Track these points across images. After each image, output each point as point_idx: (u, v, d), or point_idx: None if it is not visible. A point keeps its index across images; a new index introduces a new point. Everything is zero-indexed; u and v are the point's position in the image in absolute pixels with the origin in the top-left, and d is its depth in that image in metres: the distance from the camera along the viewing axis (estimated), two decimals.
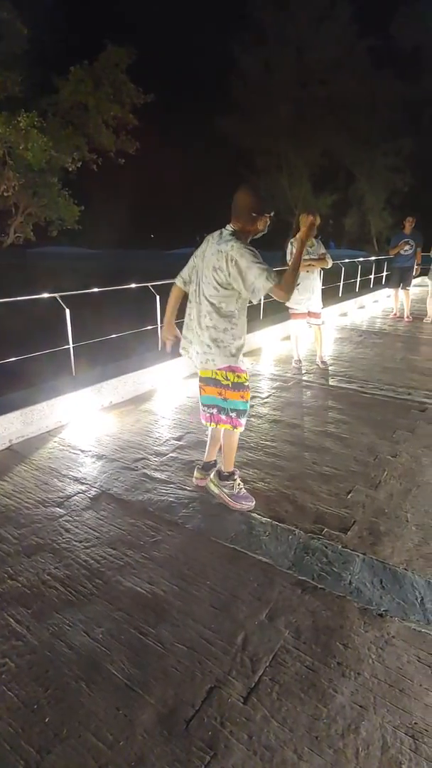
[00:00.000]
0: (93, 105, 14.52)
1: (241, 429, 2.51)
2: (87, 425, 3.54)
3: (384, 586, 1.99)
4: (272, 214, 2.39)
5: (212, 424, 2.56)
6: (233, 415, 2.44)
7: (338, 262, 8.39)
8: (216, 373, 2.42)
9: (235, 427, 2.48)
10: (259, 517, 2.45)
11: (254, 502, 2.53)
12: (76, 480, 2.78)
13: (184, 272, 2.56)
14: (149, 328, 5.03)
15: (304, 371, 5.11)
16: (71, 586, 1.95)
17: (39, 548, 2.18)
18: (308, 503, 2.59)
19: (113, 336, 4.78)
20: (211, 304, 2.33)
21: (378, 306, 10.13)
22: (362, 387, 4.60)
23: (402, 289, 8.09)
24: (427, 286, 8.28)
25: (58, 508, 2.50)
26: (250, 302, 2.38)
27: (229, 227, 2.33)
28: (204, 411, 2.56)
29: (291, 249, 4.81)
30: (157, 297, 4.81)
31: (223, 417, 2.48)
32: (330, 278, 7.89)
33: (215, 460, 2.77)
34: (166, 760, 1.32)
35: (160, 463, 3.01)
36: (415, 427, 3.63)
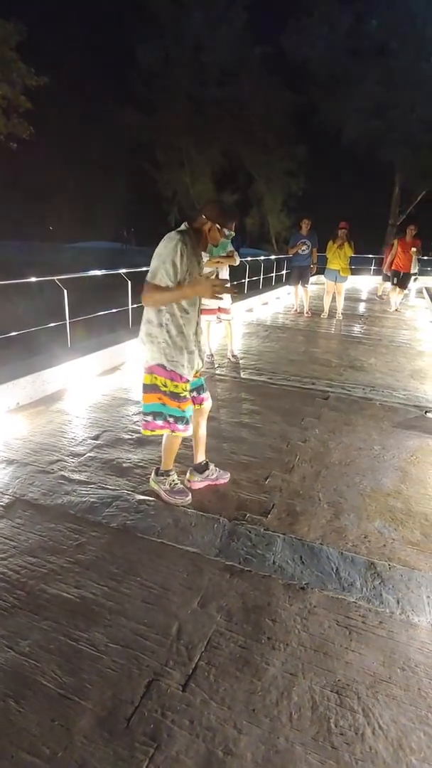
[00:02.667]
0: None
1: (182, 434, 2.44)
2: None
3: (303, 562, 2.14)
4: (221, 227, 2.25)
5: (148, 431, 2.50)
6: (171, 420, 2.41)
7: (242, 260, 8.68)
8: (155, 378, 2.37)
9: (173, 431, 2.43)
10: (185, 509, 2.48)
11: (190, 497, 2.53)
12: None
13: None
14: (57, 324, 4.78)
15: (216, 365, 5.24)
16: None
17: None
18: (230, 492, 2.69)
19: (14, 333, 4.47)
20: None
21: (280, 302, 10.69)
22: (271, 378, 4.85)
23: (301, 286, 8.64)
24: (324, 283, 8.96)
25: None
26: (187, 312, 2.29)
27: (183, 226, 2.27)
28: (145, 419, 2.48)
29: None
30: (65, 291, 4.59)
31: (160, 423, 2.43)
32: (235, 276, 8.15)
33: (206, 461, 2.73)
34: (108, 762, 1.30)
35: (78, 463, 2.90)
36: (320, 414, 3.92)
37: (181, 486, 2.58)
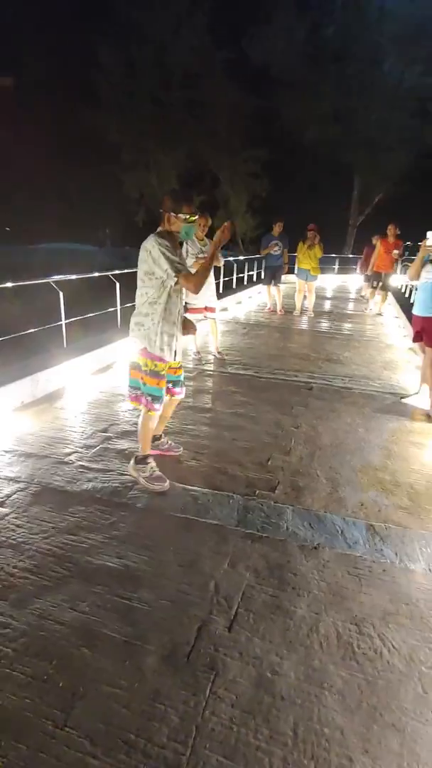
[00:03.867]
0: None
1: (155, 414, 2.72)
2: (3, 426, 3.40)
3: (312, 527, 2.44)
4: (184, 216, 2.52)
5: (135, 403, 2.79)
6: (149, 398, 2.68)
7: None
8: (139, 358, 2.67)
9: (149, 410, 2.70)
10: (200, 488, 2.74)
11: (168, 483, 2.73)
12: (10, 480, 2.73)
13: None
14: (54, 325, 4.90)
15: (203, 362, 5.50)
16: (42, 573, 2.01)
17: None
18: (237, 472, 2.96)
19: (13, 335, 4.57)
20: (141, 294, 2.61)
21: (253, 301, 11.05)
22: (257, 372, 5.16)
23: (274, 285, 9.00)
24: (295, 282, 9.37)
25: (0, 508, 2.45)
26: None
27: (159, 229, 2.58)
28: (130, 391, 2.79)
29: (186, 248, 5.12)
30: (61, 293, 4.72)
31: (143, 400, 2.71)
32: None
33: (161, 435, 3.10)
34: (178, 688, 1.54)
35: (93, 454, 3.09)
36: (307, 403, 4.26)
37: (159, 473, 2.76)
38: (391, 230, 8.53)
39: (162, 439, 3.12)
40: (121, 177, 20.20)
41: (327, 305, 11.21)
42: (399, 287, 11.69)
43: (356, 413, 4.07)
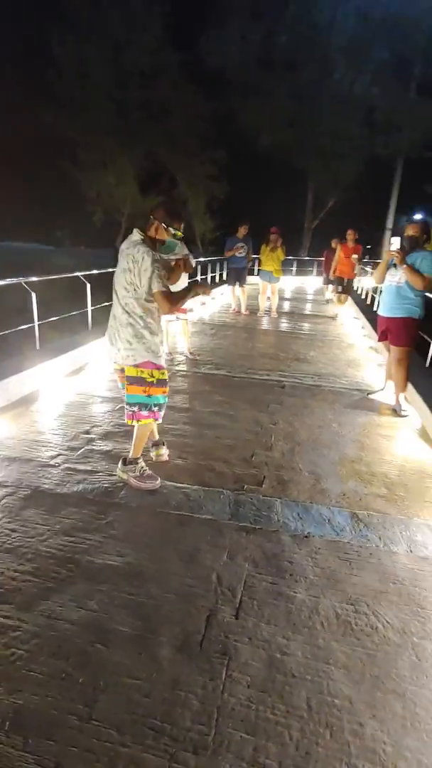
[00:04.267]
0: None
1: (159, 421, 2.82)
2: None
3: (301, 517, 2.57)
4: (172, 229, 2.59)
5: (134, 421, 2.73)
6: (155, 409, 2.70)
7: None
8: (141, 372, 2.62)
9: (156, 420, 2.76)
10: (190, 486, 2.80)
11: (159, 480, 2.77)
12: None
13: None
14: (26, 327, 4.78)
15: (176, 362, 5.55)
16: (44, 575, 2.01)
17: None
18: (224, 469, 3.05)
19: None
20: (126, 304, 2.55)
21: (216, 302, 11.18)
22: (230, 372, 5.27)
23: (238, 286, 9.16)
24: (258, 284, 9.57)
25: None
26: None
27: (137, 234, 2.56)
28: (127, 409, 2.71)
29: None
30: (33, 294, 4.62)
31: (145, 413, 2.69)
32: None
33: (158, 438, 3.10)
34: (195, 674, 1.61)
35: (78, 456, 3.08)
36: (282, 401, 4.41)
37: (150, 471, 2.80)
38: (350, 235, 8.70)
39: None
40: (78, 176, 19.77)
41: (288, 306, 11.52)
42: (358, 290, 12.16)
43: (328, 409, 4.27)
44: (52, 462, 2.98)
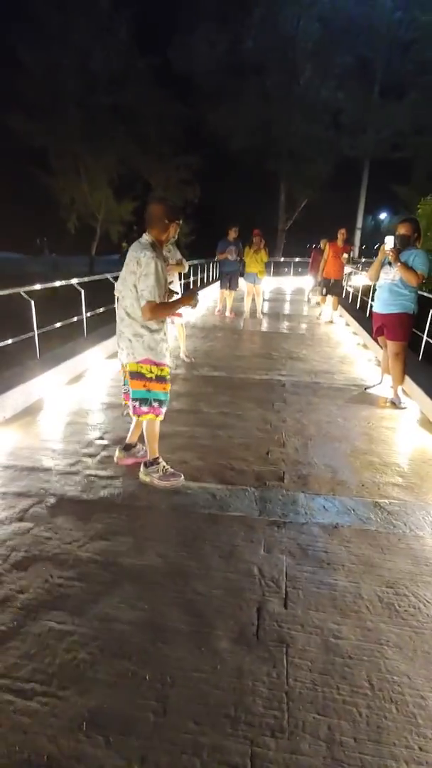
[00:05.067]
0: None
1: (161, 418, 2.82)
2: None
3: (327, 509, 2.64)
4: (180, 221, 2.76)
5: (137, 416, 2.82)
6: (156, 404, 2.75)
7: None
8: (141, 367, 2.69)
9: (156, 415, 2.79)
10: (215, 485, 2.85)
11: (182, 477, 2.84)
12: (21, 494, 2.66)
13: (118, 283, 2.73)
14: (25, 336, 4.72)
15: (175, 366, 5.57)
16: (90, 579, 2.02)
17: (30, 560, 2.12)
18: (243, 467, 3.10)
19: None
20: (129, 304, 2.62)
21: (200, 305, 11.20)
22: (229, 373, 5.33)
23: (229, 289, 9.22)
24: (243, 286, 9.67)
25: (22, 523, 2.40)
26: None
27: (146, 236, 2.64)
28: (133, 404, 2.77)
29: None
30: (32, 302, 4.57)
31: (145, 408, 2.74)
32: None
33: (136, 442, 3.07)
34: (257, 663, 1.66)
35: (97, 462, 3.08)
36: (285, 399, 4.50)
37: (172, 470, 2.86)
38: (342, 234, 8.49)
39: (137, 446, 3.07)
40: (50, 182, 19.53)
41: (271, 307, 11.67)
42: (343, 290, 12.12)
43: (331, 405, 4.38)
44: (71, 470, 2.97)
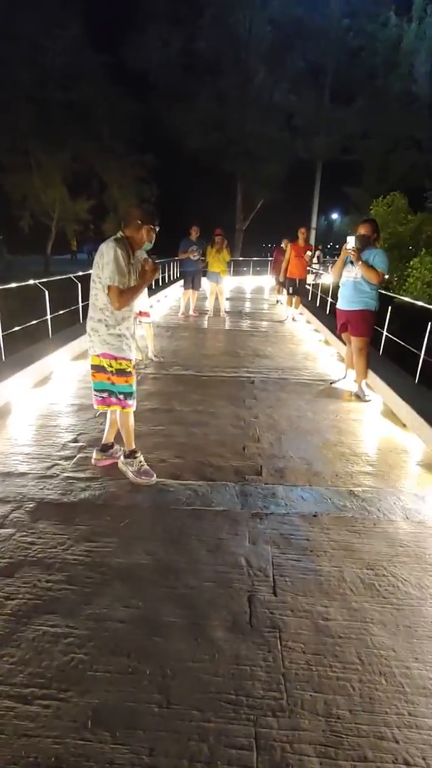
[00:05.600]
0: None
1: (132, 409, 2.86)
2: None
3: (305, 500, 2.74)
4: (156, 227, 2.79)
5: (104, 407, 2.89)
6: (121, 397, 2.81)
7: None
8: (101, 360, 2.75)
9: (124, 408, 2.83)
10: (195, 482, 2.88)
11: (155, 476, 2.87)
12: None
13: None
14: None
15: (142, 366, 5.54)
16: (79, 581, 2.01)
17: (16, 566, 2.08)
18: (221, 463, 3.15)
19: None
20: (95, 294, 2.68)
21: (163, 305, 11.19)
22: (198, 372, 5.37)
23: (193, 289, 9.23)
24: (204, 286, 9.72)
25: (2, 529, 2.34)
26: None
27: (119, 233, 2.69)
28: (96, 396, 2.86)
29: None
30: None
31: (114, 399, 2.82)
32: None
33: (113, 442, 3.08)
34: (253, 649, 1.71)
35: (74, 464, 3.04)
36: (255, 395, 4.59)
37: (147, 467, 2.90)
38: (302, 234, 8.57)
39: (114, 447, 3.07)
40: (1, 179, 18.76)
41: (233, 306, 11.79)
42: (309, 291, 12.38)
43: (299, 400, 4.51)
44: (48, 473, 2.92)
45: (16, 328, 5.06)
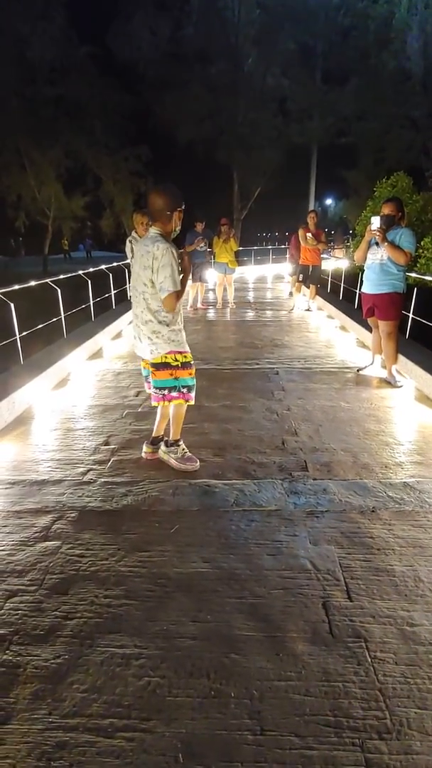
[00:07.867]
0: None
1: (192, 402, 2.84)
2: None
3: (359, 494, 2.60)
4: (183, 208, 2.63)
5: (163, 403, 2.80)
6: (185, 390, 2.76)
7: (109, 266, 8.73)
8: (166, 357, 2.67)
9: (187, 400, 2.80)
10: (240, 480, 2.74)
11: (198, 463, 2.86)
12: (37, 511, 2.45)
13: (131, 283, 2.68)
14: (7, 341, 4.39)
15: None
16: (139, 595, 1.87)
17: (69, 582, 1.94)
18: (263, 459, 3.01)
19: None
20: (145, 300, 2.58)
21: None
22: (219, 365, 5.21)
23: (200, 282, 9.05)
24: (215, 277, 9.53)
25: (46, 542, 2.20)
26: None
27: (153, 230, 2.57)
28: (156, 393, 2.77)
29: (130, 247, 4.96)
30: (12, 305, 4.25)
31: (175, 394, 2.75)
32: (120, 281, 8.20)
33: (163, 435, 3.02)
34: (341, 660, 1.58)
35: (110, 468, 2.90)
36: (283, 386, 4.44)
37: (190, 454, 2.90)
38: (312, 218, 8.29)
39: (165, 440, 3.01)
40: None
41: (239, 296, 11.60)
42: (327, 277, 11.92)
43: (329, 389, 4.36)
44: (85, 479, 2.78)
45: (39, 326, 4.90)
